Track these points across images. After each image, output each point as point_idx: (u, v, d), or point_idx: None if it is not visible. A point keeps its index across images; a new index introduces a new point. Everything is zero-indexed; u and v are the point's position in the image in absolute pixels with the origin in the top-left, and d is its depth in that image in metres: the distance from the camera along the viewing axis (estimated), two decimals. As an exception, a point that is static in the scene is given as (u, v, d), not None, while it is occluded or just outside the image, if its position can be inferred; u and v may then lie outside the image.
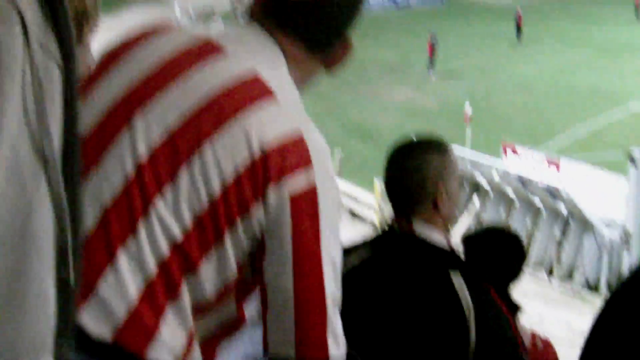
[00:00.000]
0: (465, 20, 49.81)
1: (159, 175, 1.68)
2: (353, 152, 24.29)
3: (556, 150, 25.50)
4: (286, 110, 1.73)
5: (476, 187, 20.65)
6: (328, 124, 28.37)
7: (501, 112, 30.32)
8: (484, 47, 41.52)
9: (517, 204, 19.66)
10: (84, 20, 1.99)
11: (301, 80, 1.91)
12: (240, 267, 1.73)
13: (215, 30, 1.92)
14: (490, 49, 41.11)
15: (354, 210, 21.22)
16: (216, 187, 1.66)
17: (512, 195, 19.70)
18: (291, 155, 1.68)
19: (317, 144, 1.73)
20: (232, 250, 1.70)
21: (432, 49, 35.45)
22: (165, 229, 1.66)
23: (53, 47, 0.92)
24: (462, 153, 22.15)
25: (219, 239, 1.68)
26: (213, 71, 1.75)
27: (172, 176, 1.68)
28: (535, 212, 19.30)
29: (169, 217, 1.66)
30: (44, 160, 0.90)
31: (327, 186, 1.73)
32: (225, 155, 1.67)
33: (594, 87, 34.13)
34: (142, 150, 1.69)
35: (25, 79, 0.87)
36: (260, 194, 1.67)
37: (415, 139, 2.90)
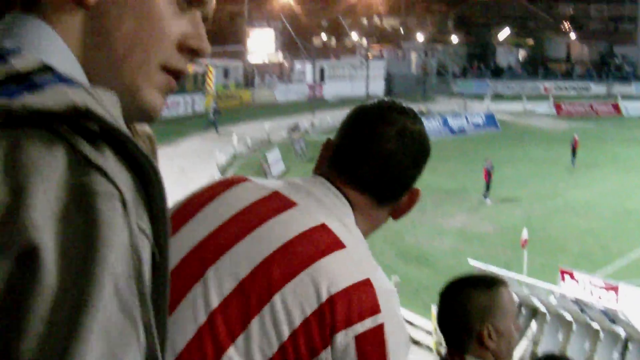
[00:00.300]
0: (520, 145, 50.05)
1: (230, 323, 1.75)
2: (410, 278, 24.28)
3: (614, 276, 25.26)
4: (354, 260, 1.80)
5: (534, 312, 20.54)
6: (385, 251, 28.51)
7: (558, 237, 30.18)
8: (539, 173, 41.57)
9: (574, 327, 19.50)
10: None
11: (369, 228, 2.02)
12: None
13: (285, 182, 2.00)
14: (546, 174, 41.14)
15: (410, 335, 21.13)
16: (285, 334, 1.73)
17: (569, 318, 19.56)
18: (360, 302, 1.75)
19: (384, 289, 1.81)
20: None
21: (488, 175, 35.61)
22: None
23: (144, 223, 1.02)
24: (519, 278, 22.13)
25: None
26: (284, 223, 1.83)
27: (244, 324, 1.75)
28: (594, 336, 19.10)
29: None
30: (135, 326, 0.99)
31: (395, 330, 1.80)
32: (295, 305, 1.73)
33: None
34: (214, 299, 1.77)
35: (122, 250, 0.96)
36: (328, 340, 1.73)
37: (466, 276, 2.98)
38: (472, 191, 36.79)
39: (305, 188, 1.95)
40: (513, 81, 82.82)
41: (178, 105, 56.09)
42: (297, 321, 1.72)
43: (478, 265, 22.83)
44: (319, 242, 1.80)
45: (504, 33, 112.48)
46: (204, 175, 36.45)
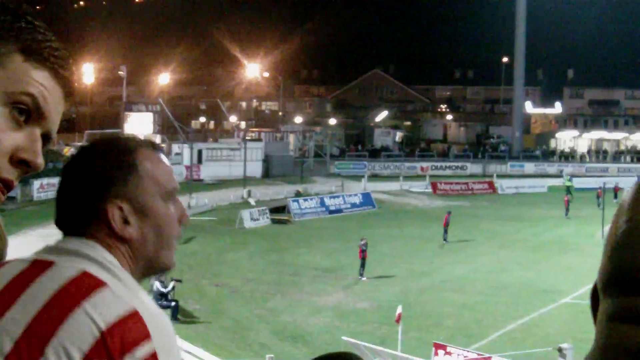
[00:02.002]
0: (396, 223, 50.59)
1: None
2: (285, 356, 23.96)
3: (489, 349, 25.36)
4: (118, 294, 1.79)
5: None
6: (260, 329, 28.18)
7: (433, 312, 30.30)
8: (415, 250, 42.02)
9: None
10: None
11: (132, 264, 2.00)
12: None
13: (44, 248, 1.96)
14: (422, 251, 41.61)
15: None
16: None
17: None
18: (130, 332, 1.74)
19: (151, 314, 1.80)
20: None
21: (363, 253, 35.71)
22: None
23: None
24: (394, 353, 22.00)
25: None
26: (46, 282, 1.80)
27: None
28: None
29: None
30: None
31: (168, 353, 1.79)
32: (71, 345, 1.71)
33: (525, 284, 34.44)
34: None
35: None
36: None
37: (325, 356, 2.86)
38: (349, 269, 36.82)
39: (59, 246, 1.96)
40: (390, 161, 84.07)
41: (54, 186, 54.97)
42: (78, 357, 1.71)
43: (352, 341, 22.64)
44: (83, 285, 1.79)
45: (382, 115, 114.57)
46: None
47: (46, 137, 1.38)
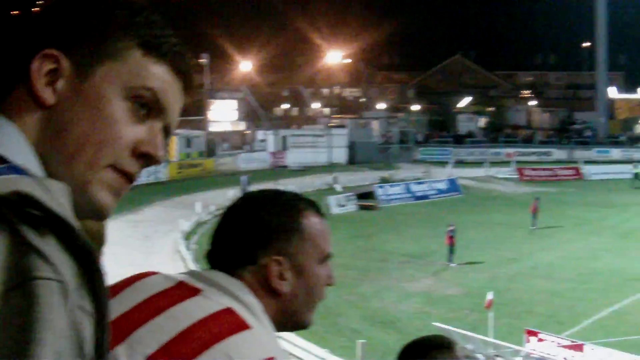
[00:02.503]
0: (483, 209, 50.33)
1: None
2: (376, 342, 24.06)
3: (580, 336, 25.17)
4: (261, 340, 1.82)
5: (501, 373, 20.40)
6: (351, 314, 28.36)
7: (524, 299, 30.12)
8: (502, 236, 41.76)
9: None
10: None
11: (273, 315, 2.01)
12: None
13: (189, 274, 2.04)
14: (509, 238, 41.32)
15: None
16: None
17: (536, 377, 19.44)
18: None
19: None
20: None
21: (451, 239, 35.66)
22: None
23: (86, 303, 1.08)
24: (485, 339, 22.02)
25: None
26: (190, 308, 1.86)
27: None
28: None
29: None
30: None
31: None
32: None
33: (616, 272, 34.04)
34: None
35: (62, 329, 1.02)
36: None
37: (420, 340, 2.99)
38: (437, 255, 36.79)
39: (205, 276, 2.01)
40: (475, 147, 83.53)
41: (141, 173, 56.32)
42: None
43: (443, 327, 22.70)
44: (226, 323, 1.83)
45: (465, 101, 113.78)
46: (168, 242, 36.21)
47: (166, 131, 1.40)
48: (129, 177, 1.33)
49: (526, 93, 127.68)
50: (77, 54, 1.28)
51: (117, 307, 1.87)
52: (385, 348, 23.54)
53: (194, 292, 1.91)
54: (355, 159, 74.63)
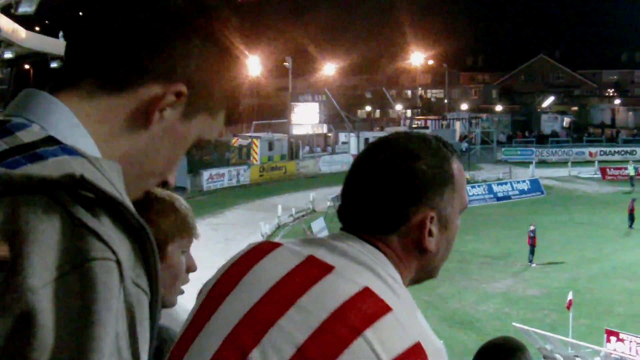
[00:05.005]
0: (566, 210, 49.86)
1: None
2: (455, 342, 24.17)
3: (662, 336, 24.94)
4: (403, 322, 1.71)
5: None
6: (429, 315, 28.45)
7: (604, 299, 29.90)
8: (584, 236, 41.36)
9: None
10: (167, 242, 2.49)
11: (412, 275, 1.94)
12: None
13: (317, 243, 1.91)
14: (591, 238, 40.90)
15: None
16: None
17: (614, 377, 19.39)
18: None
19: (435, 349, 1.72)
20: None
21: (532, 239, 35.51)
22: None
23: (142, 281, 1.13)
24: (565, 339, 21.98)
25: None
26: (326, 291, 1.75)
27: None
28: (639, 394, 18.92)
29: None
30: None
31: None
32: None
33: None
34: None
35: (119, 309, 1.06)
36: None
37: (494, 341, 3.09)
38: (517, 256, 36.65)
39: (338, 247, 1.86)
40: (558, 147, 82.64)
41: (223, 177, 56.91)
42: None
43: (522, 327, 22.74)
44: (366, 309, 1.70)
45: (548, 100, 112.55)
46: (249, 245, 36.61)
47: None
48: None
49: (610, 92, 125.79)
50: (193, 101, 1.35)
51: (244, 298, 1.81)
52: (463, 349, 23.62)
53: (327, 270, 1.79)
54: (437, 160, 74.27)
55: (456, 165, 1.96)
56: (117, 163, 1.21)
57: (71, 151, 1.16)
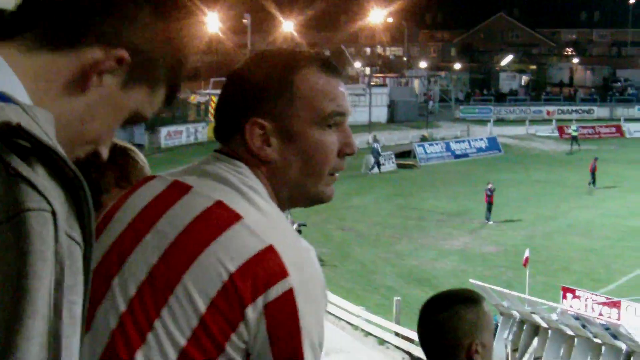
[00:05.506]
0: (523, 168, 50.16)
1: (139, 322, 1.72)
2: (412, 299, 24.23)
3: (617, 294, 25.19)
4: (254, 229, 1.72)
5: (536, 329, 20.45)
6: (386, 272, 28.56)
7: (560, 257, 30.15)
8: (541, 194, 41.63)
9: (576, 342, 19.40)
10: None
11: (285, 191, 1.91)
12: None
13: (185, 168, 1.95)
14: (548, 196, 41.18)
15: (412, 352, 21.13)
16: (194, 321, 1.67)
17: (571, 333, 19.48)
18: (264, 271, 1.68)
19: (291, 249, 1.73)
20: None
21: (489, 197, 35.65)
22: None
23: (76, 233, 1.10)
24: (522, 296, 22.09)
25: None
26: (180, 210, 1.78)
27: (152, 320, 1.70)
28: (596, 350, 19.02)
29: (156, 353, 1.68)
30: (70, 325, 1.08)
31: (307, 289, 1.72)
32: (198, 290, 1.67)
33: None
34: (122, 304, 1.74)
35: (53, 261, 1.04)
36: (240, 318, 1.68)
37: (446, 293, 2.96)
38: (475, 213, 36.83)
39: (202, 167, 1.90)
40: (516, 106, 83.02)
41: (181, 134, 56.58)
42: (203, 306, 1.67)
43: (479, 284, 22.81)
44: (215, 220, 1.74)
45: (507, 59, 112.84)
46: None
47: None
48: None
49: (569, 51, 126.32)
50: (134, 70, 1.33)
51: (115, 228, 1.86)
52: (420, 305, 23.69)
53: (185, 190, 1.83)
54: (396, 117, 74.45)
55: (307, 75, 1.90)
56: (51, 113, 1.18)
57: (5, 98, 1.12)
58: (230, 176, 1.84)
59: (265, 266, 1.68)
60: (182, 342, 1.67)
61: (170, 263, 1.71)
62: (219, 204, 1.76)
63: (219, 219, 1.73)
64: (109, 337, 1.73)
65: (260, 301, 1.67)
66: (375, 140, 52.06)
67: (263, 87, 1.88)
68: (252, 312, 1.67)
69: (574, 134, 59.97)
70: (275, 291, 1.67)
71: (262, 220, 1.75)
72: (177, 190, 1.83)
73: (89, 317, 1.73)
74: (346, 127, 1.94)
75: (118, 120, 1.34)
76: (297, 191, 1.92)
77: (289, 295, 1.68)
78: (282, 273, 1.68)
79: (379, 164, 49.27)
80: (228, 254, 1.68)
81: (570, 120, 71.18)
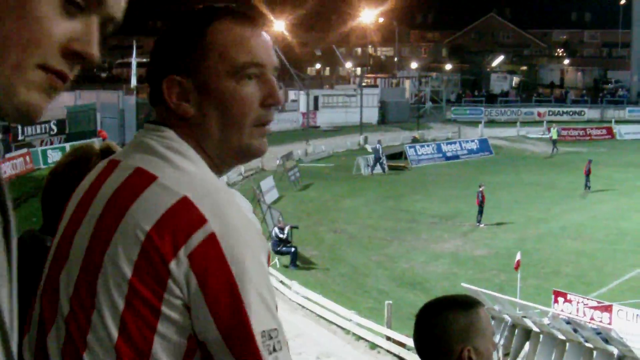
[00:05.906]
0: (513, 170, 50.16)
1: (83, 303, 1.74)
2: (403, 302, 24.21)
3: (609, 297, 25.19)
4: (167, 185, 1.73)
5: (528, 333, 20.46)
6: (378, 275, 28.50)
7: (552, 260, 30.12)
8: (532, 196, 41.59)
9: (568, 347, 19.41)
10: None
11: (214, 149, 1.89)
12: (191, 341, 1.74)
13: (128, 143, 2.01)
14: (539, 198, 41.15)
15: (404, 357, 21.07)
16: (124, 288, 1.68)
17: (562, 337, 19.48)
18: (181, 223, 1.68)
19: (208, 194, 1.72)
20: (174, 335, 1.72)
21: (481, 199, 35.61)
22: (104, 329, 1.71)
23: None
24: (513, 300, 22.08)
25: (153, 332, 1.71)
26: (108, 186, 1.81)
27: (92, 297, 1.73)
28: (587, 355, 19.02)
29: (101, 330, 1.70)
30: None
31: (232, 230, 1.70)
32: (122, 257, 1.69)
33: (645, 232, 33.91)
34: (70, 289, 1.77)
35: None
36: (167, 276, 1.68)
37: (441, 298, 2.93)
38: (466, 216, 36.78)
39: (133, 141, 1.93)
40: (507, 107, 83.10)
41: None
42: (129, 272, 1.68)
43: (471, 288, 22.78)
44: (131, 187, 1.76)
45: (498, 60, 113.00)
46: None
47: (109, 24, 1.21)
48: (61, 77, 1.17)
49: (560, 52, 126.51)
50: None
51: (64, 219, 1.93)
52: (412, 309, 23.62)
53: (113, 166, 1.87)
54: (387, 118, 74.46)
55: (220, 27, 1.88)
56: None
57: None
58: (154, 143, 1.85)
59: (182, 217, 1.69)
60: (120, 310, 1.69)
61: (98, 236, 1.75)
62: (137, 171, 1.79)
63: (135, 184, 1.76)
64: (65, 324, 1.77)
65: (182, 253, 1.67)
66: (366, 141, 52.07)
67: (177, 43, 1.88)
68: (177, 266, 1.67)
69: (555, 137, 59.90)
70: (196, 239, 1.67)
71: (177, 175, 1.77)
72: (111, 168, 1.87)
73: (55, 306, 1.80)
74: (269, 77, 1.91)
75: (25, 37, 1.11)
76: (224, 146, 1.89)
77: (211, 240, 1.67)
78: (200, 221, 1.68)
79: (381, 164, 49.24)
80: (143, 214, 1.70)
81: (560, 122, 71.28)
